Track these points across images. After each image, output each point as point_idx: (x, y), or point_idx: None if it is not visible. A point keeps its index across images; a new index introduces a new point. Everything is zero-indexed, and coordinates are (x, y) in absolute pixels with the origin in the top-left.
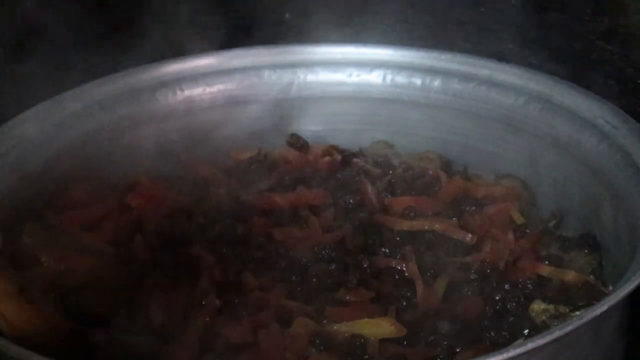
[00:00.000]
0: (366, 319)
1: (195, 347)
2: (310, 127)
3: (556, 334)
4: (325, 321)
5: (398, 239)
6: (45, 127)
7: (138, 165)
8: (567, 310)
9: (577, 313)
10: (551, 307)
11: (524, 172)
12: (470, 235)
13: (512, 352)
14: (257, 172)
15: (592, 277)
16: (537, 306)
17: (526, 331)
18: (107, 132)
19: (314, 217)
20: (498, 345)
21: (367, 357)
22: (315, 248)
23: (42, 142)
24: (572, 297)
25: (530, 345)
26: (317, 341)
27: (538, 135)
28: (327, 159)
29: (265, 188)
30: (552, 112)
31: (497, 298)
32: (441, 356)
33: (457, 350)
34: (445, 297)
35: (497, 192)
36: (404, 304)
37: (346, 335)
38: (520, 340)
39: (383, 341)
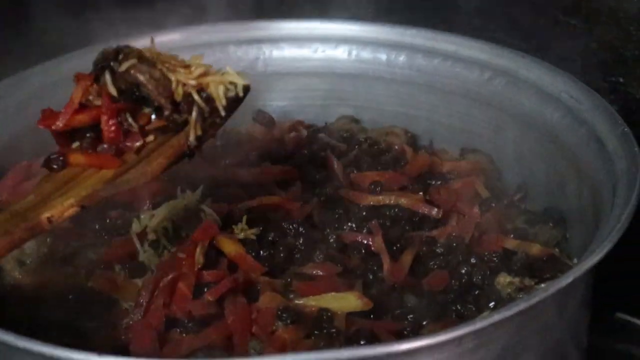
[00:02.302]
0: (333, 293)
1: (159, 322)
2: (276, 102)
3: (522, 305)
4: (292, 295)
5: (364, 213)
6: (9, 103)
7: None
8: (533, 282)
9: (543, 285)
10: (517, 279)
11: (489, 147)
12: (436, 210)
13: (479, 325)
14: (222, 148)
15: (557, 250)
16: (503, 279)
17: (492, 304)
18: None
19: (281, 191)
20: (464, 318)
21: (334, 330)
22: (283, 223)
23: (6, 119)
24: (538, 270)
25: (497, 317)
26: (284, 315)
27: (503, 109)
28: (292, 134)
29: (231, 163)
30: (517, 87)
31: (463, 271)
32: (408, 329)
33: (424, 323)
34: (411, 271)
35: (463, 166)
36: (371, 277)
37: (313, 309)
38: (486, 313)
39: (350, 315)
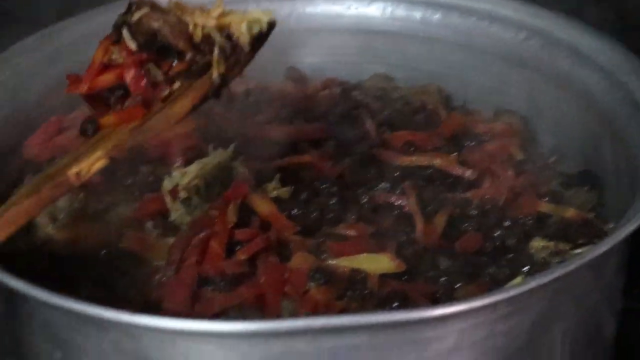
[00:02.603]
0: (366, 254)
1: (192, 280)
2: (308, 59)
3: (558, 272)
4: (324, 256)
5: (397, 174)
6: (39, 58)
7: None
8: (567, 247)
9: (578, 251)
10: (551, 244)
11: (524, 108)
12: (470, 171)
13: (515, 291)
14: (254, 105)
15: (592, 214)
16: (537, 243)
17: (526, 268)
18: None
19: (313, 150)
20: (497, 281)
21: (366, 292)
22: (315, 182)
23: (36, 73)
24: (572, 235)
25: (533, 283)
26: (317, 275)
27: (538, 71)
28: (325, 92)
29: (263, 120)
30: (553, 48)
31: (497, 234)
32: (440, 292)
33: (457, 286)
34: (444, 233)
35: (497, 128)
36: (404, 239)
37: (346, 269)
38: (519, 278)
39: (383, 276)
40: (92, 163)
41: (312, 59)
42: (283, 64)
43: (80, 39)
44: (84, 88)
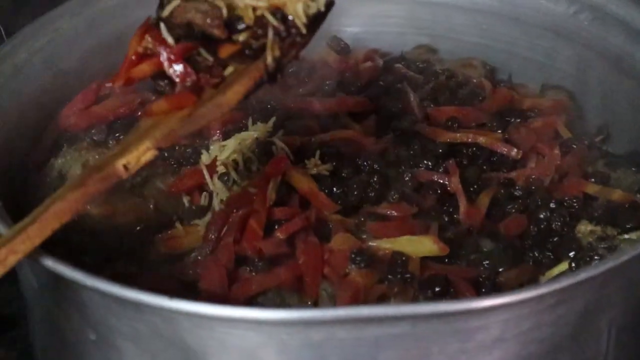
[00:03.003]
0: (408, 236)
1: (229, 260)
2: (350, 28)
3: (609, 264)
4: (365, 236)
5: (440, 151)
6: (79, 22)
7: None
8: (615, 232)
9: (626, 236)
10: (598, 228)
11: (572, 84)
12: (515, 150)
13: (563, 283)
14: (294, 76)
15: (639, 196)
16: (584, 227)
17: (572, 253)
18: None
19: (355, 124)
20: (541, 266)
21: (408, 275)
22: (357, 159)
23: (76, 39)
24: (620, 218)
25: (583, 275)
26: (358, 258)
27: (588, 46)
28: (368, 64)
29: (303, 92)
30: (604, 23)
31: (542, 216)
32: (483, 276)
33: (500, 270)
34: (488, 214)
35: (544, 104)
36: (446, 219)
37: (387, 252)
38: (564, 263)
39: (424, 259)
40: (141, 154)
41: (354, 29)
42: (325, 32)
43: (121, 3)
44: (120, 81)
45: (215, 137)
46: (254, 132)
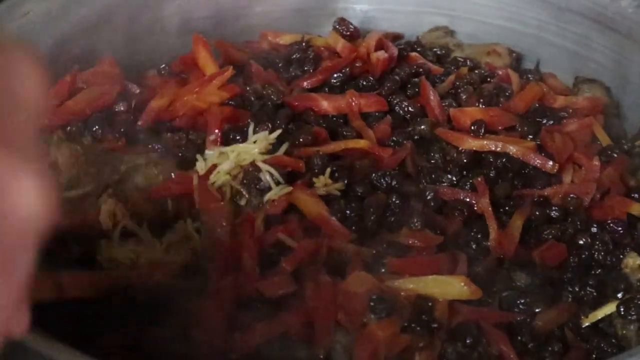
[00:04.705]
0: (434, 276)
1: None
2: (360, 6)
3: None
4: (383, 270)
5: (465, 160)
6: (52, 5)
7: (160, 46)
8: None
9: None
10: None
11: (608, 78)
12: (551, 162)
13: None
14: (299, 63)
15: None
16: (632, 260)
17: (619, 294)
18: (124, 10)
19: (369, 130)
20: (583, 304)
21: (434, 324)
22: (373, 174)
23: (49, 22)
24: None
25: None
26: (379, 307)
27: (629, 36)
28: (381, 55)
29: (309, 87)
30: None
31: (582, 243)
32: (519, 320)
33: (537, 310)
34: (521, 239)
35: (579, 104)
36: (475, 249)
37: (410, 294)
38: (612, 305)
39: (452, 301)
40: None
41: (364, 6)
42: (331, 9)
43: None
44: None
45: (212, 136)
46: (253, 147)
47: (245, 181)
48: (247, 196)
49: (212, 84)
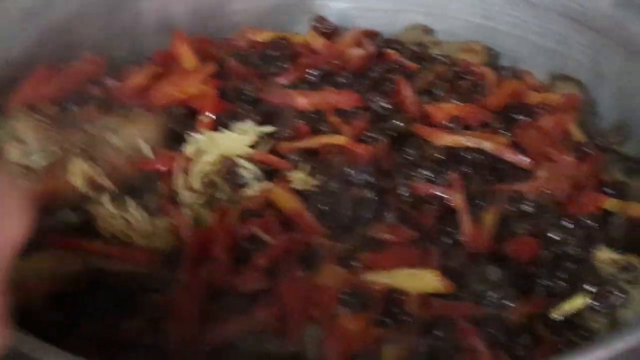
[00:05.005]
0: (407, 270)
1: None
2: (336, 4)
3: None
4: (357, 264)
5: (441, 157)
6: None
7: (138, 43)
8: (638, 262)
9: None
10: (619, 257)
11: (585, 75)
12: (525, 159)
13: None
14: (276, 60)
15: None
16: (603, 254)
17: (590, 286)
18: (102, 6)
19: (345, 126)
20: (555, 297)
21: (405, 317)
22: (346, 168)
23: (28, 18)
24: None
25: (620, 346)
26: (349, 299)
27: (607, 34)
28: (359, 52)
29: (286, 83)
30: (627, 9)
31: (555, 239)
32: (490, 314)
33: (509, 304)
34: (495, 235)
35: (554, 100)
36: (448, 243)
37: (383, 288)
38: (581, 297)
39: (424, 296)
40: None
41: (341, 4)
42: (308, 7)
43: None
44: None
45: (206, 119)
46: (245, 139)
47: (227, 176)
48: (225, 189)
49: (194, 76)
